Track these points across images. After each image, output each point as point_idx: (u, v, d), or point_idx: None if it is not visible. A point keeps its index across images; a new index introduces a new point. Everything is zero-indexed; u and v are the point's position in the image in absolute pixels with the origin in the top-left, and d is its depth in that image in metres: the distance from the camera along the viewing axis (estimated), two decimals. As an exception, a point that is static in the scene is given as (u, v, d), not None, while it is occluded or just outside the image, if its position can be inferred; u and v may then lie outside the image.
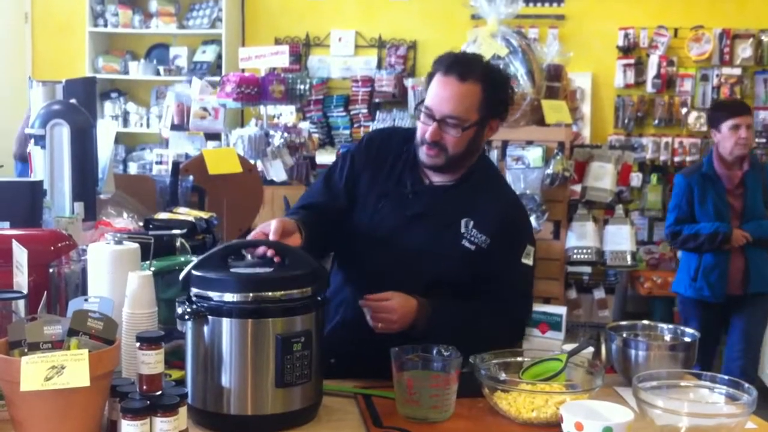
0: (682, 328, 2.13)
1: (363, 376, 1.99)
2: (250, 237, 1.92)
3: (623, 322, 2.17)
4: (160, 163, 5.06)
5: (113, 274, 1.85)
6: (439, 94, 2.03)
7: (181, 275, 1.77)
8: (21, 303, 1.76)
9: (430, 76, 2.09)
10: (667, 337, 2.12)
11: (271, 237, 1.86)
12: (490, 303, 2.07)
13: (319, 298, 1.78)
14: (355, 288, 2.10)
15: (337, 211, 2.16)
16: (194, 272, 1.74)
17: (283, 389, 1.70)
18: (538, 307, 3.48)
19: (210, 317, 1.69)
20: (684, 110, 6.49)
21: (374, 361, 1.92)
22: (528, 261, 2.12)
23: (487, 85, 2.04)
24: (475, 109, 2.03)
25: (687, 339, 2.07)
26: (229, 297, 1.69)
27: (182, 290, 1.77)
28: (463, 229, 2.08)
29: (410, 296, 2.00)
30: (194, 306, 1.69)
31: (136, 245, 1.93)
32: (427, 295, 2.02)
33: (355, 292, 2.06)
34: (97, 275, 1.87)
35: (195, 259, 1.84)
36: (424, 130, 2.05)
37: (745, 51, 6.40)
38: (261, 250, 1.84)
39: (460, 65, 2.04)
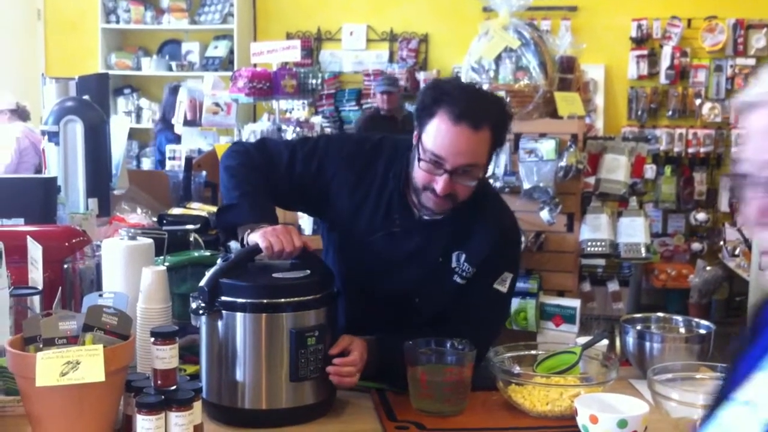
0: (696, 320, 2.12)
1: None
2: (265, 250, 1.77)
3: (637, 315, 2.16)
4: (173, 158, 5.07)
5: (127, 270, 1.86)
6: (453, 144, 1.81)
7: (205, 282, 1.71)
8: (36, 299, 1.77)
9: (429, 111, 1.85)
10: (682, 330, 2.10)
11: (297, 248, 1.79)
12: (445, 332, 1.92)
13: (332, 292, 1.79)
14: (346, 324, 1.96)
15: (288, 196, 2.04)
16: (224, 281, 1.71)
17: (297, 383, 1.70)
18: (553, 300, 3.47)
19: (224, 312, 1.69)
20: (698, 101, 6.45)
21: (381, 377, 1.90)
22: (501, 287, 1.97)
23: (497, 127, 1.86)
24: (485, 154, 1.87)
25: (702, 331, 2.06)
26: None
27: (209, 297, 1.71)
28: (454, 264, 1.96)
29: (359, 338, 1.86)
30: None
31: (150, 241, 1.93)
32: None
33: (345, 328, 1.92)
34: (111, 271, 1.88)
35: (213, 258, 1.83)
36: (429, 178, 1.85)
37: (759, 41, 6.36)
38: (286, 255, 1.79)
39: (472, 113, 1.81)
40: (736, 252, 6.02)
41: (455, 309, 1.97)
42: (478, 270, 1.95)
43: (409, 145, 1.95)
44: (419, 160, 1.86)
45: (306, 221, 3.92)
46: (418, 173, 1.87)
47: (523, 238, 3.36)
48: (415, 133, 1.90)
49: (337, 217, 2.02)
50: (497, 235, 1.97)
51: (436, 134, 1.83)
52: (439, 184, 1.83)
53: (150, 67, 6.97)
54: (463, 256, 1.95)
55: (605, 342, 2.00)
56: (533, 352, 1.98)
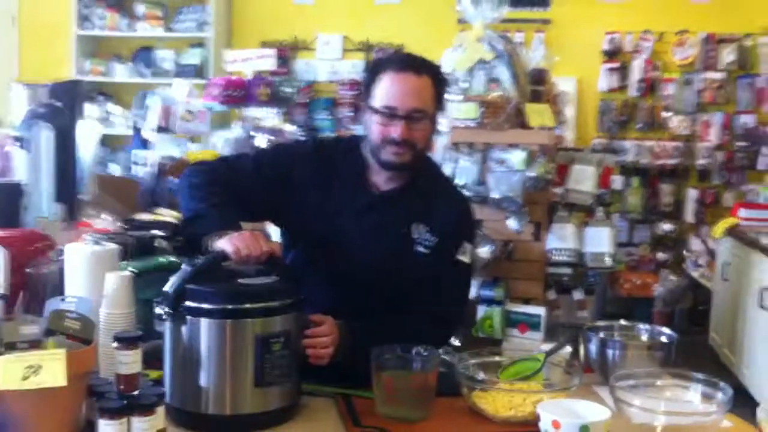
0: (659, 328, 2.14)
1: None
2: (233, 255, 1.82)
3: (601, 323, 2.19)
4: (144, 165, 5.03)
5: (91, 275, 1.85)
6: (401, 89, 2.01)
7: (170, 287, 1.71)
8: (-1, 303, 1.76)
9: (374, 77, 2.05)
10: (644, 337, 2.13)
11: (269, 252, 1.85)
12: (419, 310, 2.03)
13: (299, 298, 1.79)
14: (316, 306, 1.96)
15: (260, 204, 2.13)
16: (189, 286, 1.71)
17: (262, 389, 1.70)
18: (519, 308, 3.49)
19: (188, 317, 1.69)
20: (666, 114, 6.51)
21: (346, 376, 1.93)
22: (464, 258, 2.11)
23: (435, 80, 2.07)
24: (431, 102, 2.05)
25: (663, 339, 2.08)
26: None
27: (174, 303, 1.71)
28: (415, 235, 2.07)
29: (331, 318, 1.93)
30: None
31: (114, 246, 1.93)
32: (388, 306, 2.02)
33: (316, 310, 1.94)
34: (74, 275, 1.87)
35: (180, 264, 1.82)
36: (386, 131, 2.02)
37: (729, 55, 6.43)
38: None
39: (412, 62, 2.06)
40: (700, 262, 6.10)
41: (425, 285, 2.06)
42: (440, 240, 2.08)
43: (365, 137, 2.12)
44: (374, 116, 2.03)
45: (274, 227, 3.91)
46: (375, 129, 2.04)
47: (492, 247, 3.39)
48: (363, 104, 2.08)
49: (307, 208, 2.10)
50: (454, 207, 2.16)
51: (384, 88, 2.02)
52: (397, 128, 2.00)
53: (123, 73, 6.93)
54: (423, 227, 2.08)
55: (569, 349, 2.03)
56: (498, 358, 2.00)
